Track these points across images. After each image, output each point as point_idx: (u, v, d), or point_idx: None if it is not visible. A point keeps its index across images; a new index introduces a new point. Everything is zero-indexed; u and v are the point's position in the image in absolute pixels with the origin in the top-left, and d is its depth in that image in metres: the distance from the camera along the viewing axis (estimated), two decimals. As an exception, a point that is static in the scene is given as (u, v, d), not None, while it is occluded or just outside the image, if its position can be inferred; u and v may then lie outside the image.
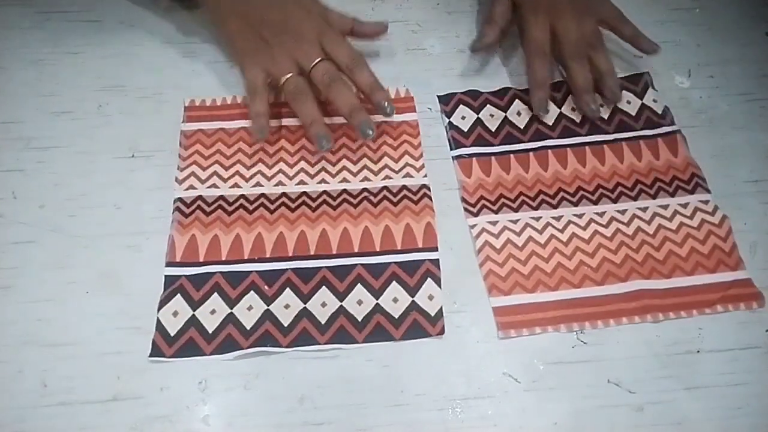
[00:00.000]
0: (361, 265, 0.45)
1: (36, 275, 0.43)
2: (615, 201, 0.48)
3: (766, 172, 0.50)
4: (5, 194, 0.47)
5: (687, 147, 0.51)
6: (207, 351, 0.41)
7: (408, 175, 0.49)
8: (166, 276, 0.43)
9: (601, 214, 0.48)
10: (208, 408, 0.39)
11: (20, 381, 0.39)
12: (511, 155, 0.51)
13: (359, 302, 0.43)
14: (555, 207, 0.48)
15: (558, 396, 0.40)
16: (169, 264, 0.44)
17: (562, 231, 0.47)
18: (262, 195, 0.48)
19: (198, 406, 0.39)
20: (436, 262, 0.45)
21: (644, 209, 0.48)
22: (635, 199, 0.48)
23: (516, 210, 0.48)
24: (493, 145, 0.51)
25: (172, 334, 0.41)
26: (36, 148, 0.49)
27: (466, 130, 0.52)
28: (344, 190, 0.48)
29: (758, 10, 0.61)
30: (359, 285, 0.44)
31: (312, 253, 0.45)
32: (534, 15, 0.53)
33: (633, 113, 0.53)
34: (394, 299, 0.43)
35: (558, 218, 0.47)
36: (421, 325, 0.42)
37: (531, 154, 0.51)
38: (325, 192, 0.48)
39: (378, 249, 0.45)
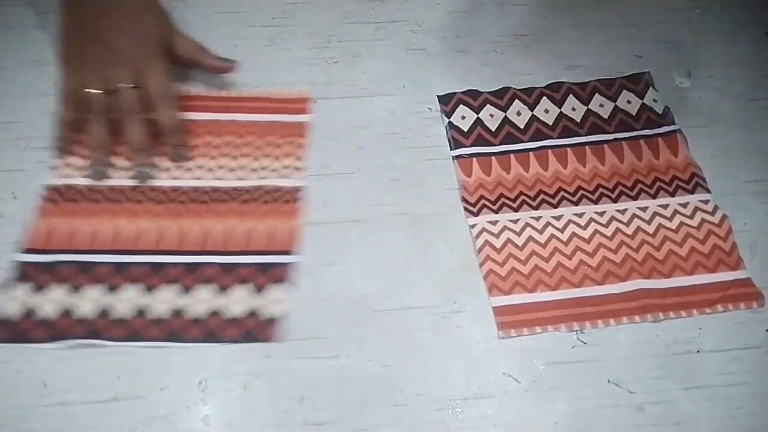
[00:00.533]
0: (215, 263, 0.44)
1: (36, 275, 0.43)
2: (615, 201, 0.48)
3: (766, 172, 0.50)
4: (5, 194, 0.46)
5: (687, 147, 0.51)
6: (40, 339, 0.40)
7: (285, 176, 0.48)
8: (14, 261, 0.43)
9: (601, 214, 0.48)
10: (208, 408, 0.39)
11: (20, 381, 0.39)
12: (512, 155, 0.50)
13: (201, 301, 0.42)
14: (555, 206, 0.48)
15: (558, 396, 0.40)
16: (22, 250, 0.43)
17: (562, 231, 0.47)
18: (134, 188, 0.47)
19: (198, 406, 0.39)
20: (292, 266, 0.44)
21: (644, 209, 0.48)
22: (635, 198, 0.48)
23: (516, 210, 0.48)
24: (493, 144, 0.51)
25: (7, 320, 0.41)
26: (36, 148, 0.49)
27: (466, 130, 0.52)
28: (216, 188, 0.47)
29: (758, 10, 0.61)
30: (206, 283, 0.43)
31: (170, 248, 0.44)
32: None
33: (633, 113, 0.53)
34: (239, 300, 0.43)
35: (558, 218, 0.47)
36: (257, 329, 0.42)
37: (531, 153, 0.51)
38: (196, 188, 0.47)
39: (236, 249, 0.45)
